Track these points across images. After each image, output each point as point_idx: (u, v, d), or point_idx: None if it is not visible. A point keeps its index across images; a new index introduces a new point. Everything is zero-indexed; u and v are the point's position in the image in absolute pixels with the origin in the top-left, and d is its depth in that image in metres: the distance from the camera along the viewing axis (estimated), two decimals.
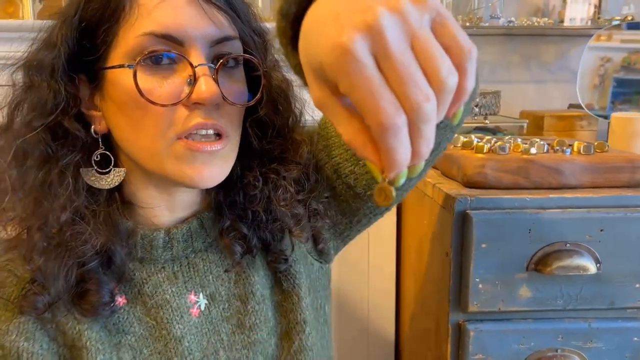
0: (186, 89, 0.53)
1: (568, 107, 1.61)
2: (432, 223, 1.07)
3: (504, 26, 1.59)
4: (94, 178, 0.57)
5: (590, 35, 1.49)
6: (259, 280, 0.64)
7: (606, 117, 1.32)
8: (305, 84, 0.40)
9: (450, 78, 0.33)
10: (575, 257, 0.92)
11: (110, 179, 0.58)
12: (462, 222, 0.93)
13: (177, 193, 0.60)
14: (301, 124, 0.66)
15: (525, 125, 1.41)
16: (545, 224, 0.93)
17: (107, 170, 0.58)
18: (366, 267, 1.34)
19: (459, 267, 0.95)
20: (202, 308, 0.61)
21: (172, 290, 0.59)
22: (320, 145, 0.68)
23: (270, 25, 0.58)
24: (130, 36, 0.52)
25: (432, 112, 0.32)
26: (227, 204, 0.63)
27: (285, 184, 0.62)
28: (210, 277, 0.62)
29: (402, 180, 0.35)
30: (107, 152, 0.58)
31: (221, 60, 0.55)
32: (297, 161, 0.63)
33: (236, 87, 0.57)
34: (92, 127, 0.57)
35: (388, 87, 0.32)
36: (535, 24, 1.61)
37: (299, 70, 0.42)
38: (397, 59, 0.31)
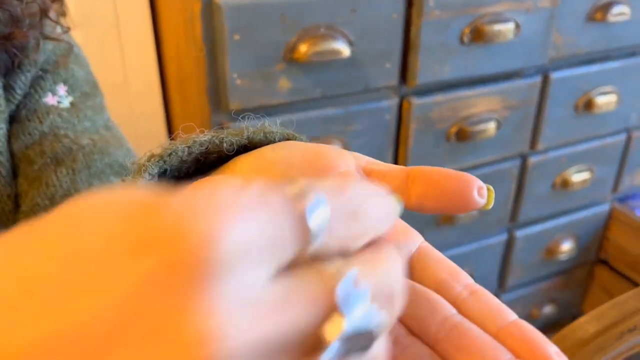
0: None
1: None
2: (185, 22, 0.96)
3: None
4: None
5: None
6: None
7: None
8: None
9: None
10: (330, 41, 0.90)
11: None
12: (211, 12, 0.84)
13: None
14: None
15: None
16: (298, 9, 0.88)
17: None
18: (127, 93, 1.20)
19: (215, 65, 0.87)
20: None
21: None
22: None
23: None
24: None
25: None
26: None
27: None
28: None
29: None
30: None
31: None
32: None
33: None
34: None
35: None
36: None
37: None
38: None
